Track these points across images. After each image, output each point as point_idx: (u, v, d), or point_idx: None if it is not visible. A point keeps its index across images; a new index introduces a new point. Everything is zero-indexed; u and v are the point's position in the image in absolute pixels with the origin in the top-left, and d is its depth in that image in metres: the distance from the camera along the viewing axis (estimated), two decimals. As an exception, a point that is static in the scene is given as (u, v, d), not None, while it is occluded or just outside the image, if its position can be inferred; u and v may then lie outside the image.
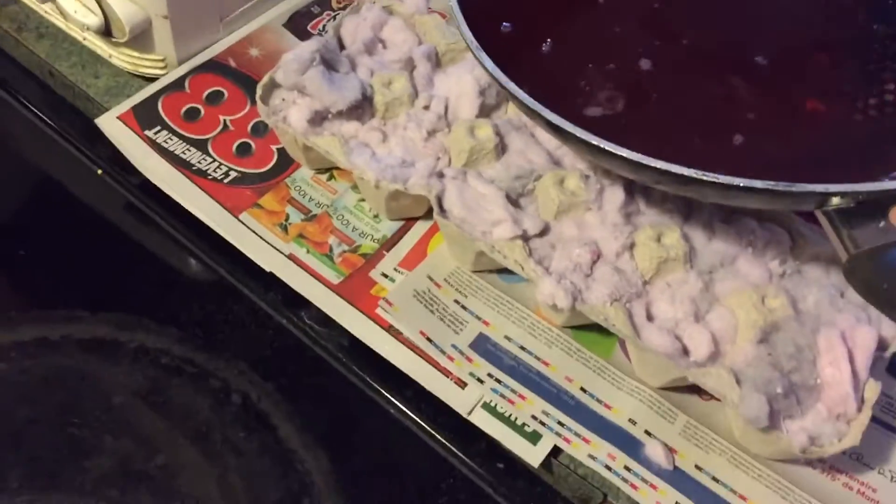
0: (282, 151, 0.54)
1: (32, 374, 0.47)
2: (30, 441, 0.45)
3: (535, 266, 0.45)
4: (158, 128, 0.53)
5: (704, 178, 0.36)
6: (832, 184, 0.36)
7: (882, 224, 0.36)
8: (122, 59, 0.56)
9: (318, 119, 0.50)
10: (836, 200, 0.36)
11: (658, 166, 0.37)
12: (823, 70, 0.45)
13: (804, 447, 0.40)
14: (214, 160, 0.53)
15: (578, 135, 0.39)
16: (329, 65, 0.50)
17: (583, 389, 0.46)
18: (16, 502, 0.42)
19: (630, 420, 0.45)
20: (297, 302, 0.49)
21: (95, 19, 0.52)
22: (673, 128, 0.43)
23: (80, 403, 0.46)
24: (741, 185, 0.36)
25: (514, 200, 0.48)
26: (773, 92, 0.44)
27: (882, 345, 0.44)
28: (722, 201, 0.43)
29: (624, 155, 0.38)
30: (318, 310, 0.49)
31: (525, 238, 0.46)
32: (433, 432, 0.46)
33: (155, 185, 0.52)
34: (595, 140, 0.38)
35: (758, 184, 0.36)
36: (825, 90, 0.44)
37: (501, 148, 0.50)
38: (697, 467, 0.44)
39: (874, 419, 0.46)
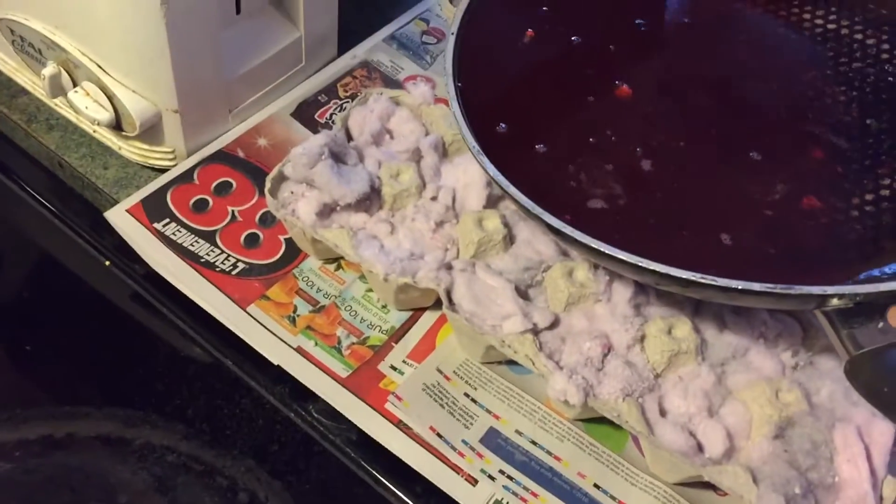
0: (290, 241, 0.54)
1: (37, 473, 0.46)
2: (32, 545, 0.44)
3: (546, 361, 0.44)
4: (167, 220, 0.54)
5: (702, 280, 0.37)
6: (830, 286, 0.36)
7: (881, 325, 0.36)
8: (132, 151, 0.57)
9: (327, 211, 0.50)
10: (834, 301, 0.37)
11: (657, 269, 0.38)
12: (819, 166, 0.46)
13: (825, 550, 0.39)
14: (223, 252, 0.53)
15: (578, 238, 0.39)
16: (337, 157, 0.51)
17: (596, 486, 0.45)
18: None
19: (645, 518, 0.44)
20: (305, 395, 0.49)
21: (106, 115, 0.53)
22: (671, 227, 0.43)
23: (86, 503, 0.45)
24: (739, 287, 0.37)
25: (523, 292, 0.48)
26: (771, 190, 0.44)
27: (899, 439, 0.43)
28: (725, 301, 0.43)
29: (622, 258, 0.38)
30: (327, 403, 0.48)
31: (535, 331, 0.46)
32: (444, 531, 0.45)
33: (161, 277, 0.52)
34: (594, 243, 0.39)
35: (756, 286, 0.36)
36: (820, 187, 0.44)
37: (510, 239, 0.50)
38: (716, 568, 0.43)
39: (893, 513, 0.45)
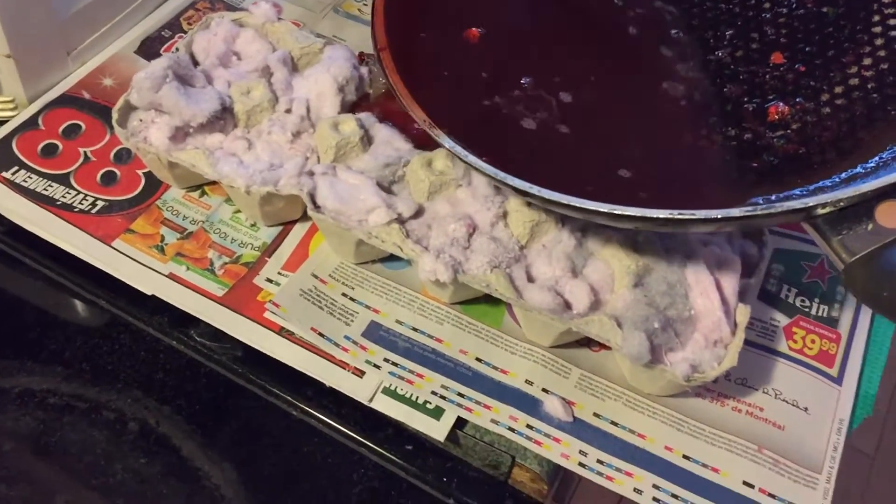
0: (149, 175, 0.53)
1: (-89, 435, 0.45)
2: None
3: (414, 246, 0.45)
4: (16, 168, 0.52)
5: (682, 216, 0.36)
6: (810, 196, 0.35)
7: (871, 226, 0.35)
8: (-31, 104, 0.55)
9: (180, 135, 0.50)
10: (819, 211, 0.35)
11: (631, 213, 0.37)
12: (781, 70, 0.45)
13: (687, 375, 0.42)
14: (79, 192, 0.52)
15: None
16: (184, 80, 0.50)
17: (478, 359, 0.47)
18: None
19: (527, 381, 0.46)
20: (184, 321, 0.49)
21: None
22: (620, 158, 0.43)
23: (-33, 457, 0.44)
24: (719, 216, 0.36)
25: (386, 188, 0.49)
26: (739, 95, 0.45)
27: (748, 272, 0.47)
28: (698, 231, 0.44)
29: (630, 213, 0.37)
30: (208, 325, 0.48)
31: (401, 221, 0.47)
32: (339, 426, 0.46)
33: (20, 228, 0.50)
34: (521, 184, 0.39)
35: (735, 212, 0.35)
36: (787, 90, 0.44)
37: (367, 140, 0.50)
38: (596, 415, 0.45)
39: (754, 345, 0.49)
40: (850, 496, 1.20)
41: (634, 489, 0.43)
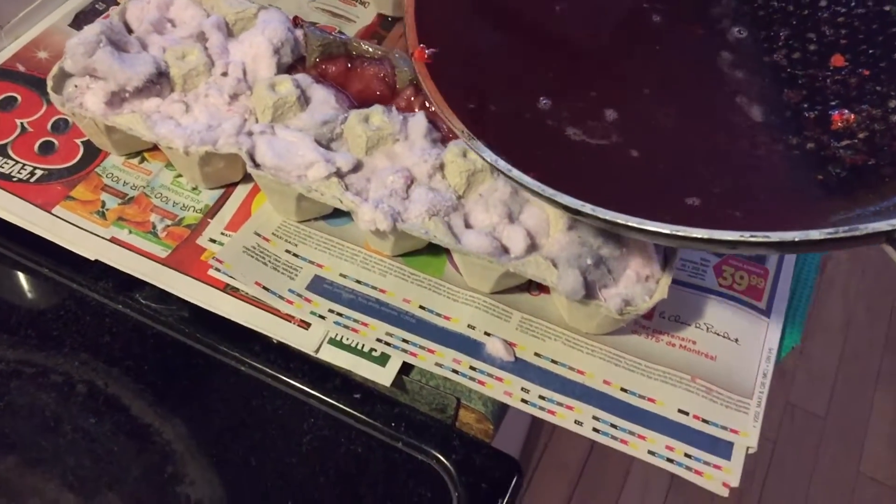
0: (87, 144, 0.53)
1: None
2: None
3: (353, 197, 0.46)
4: (-50, 140, 0.52)
5: (752, 240, 0.33)
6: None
7: None
8: None
9: (117, 101, 0.50)
10: None
11: (699, 235, 0.34)
12: (846, 72, 0.42)
13: (621, 308, 0.44)
14: (17, 162, 0.51)
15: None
16: (118, 47, 0.50)
17: (421, 307, 0.48)
18: None
19: (469, 326, 0.47)
20: (129, 285, 0.49)
21: None
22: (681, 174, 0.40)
23: (-87, 425, 0.44)
24: (796, 239, 0.33)
25: (325, 146, 0.50)
26: (798, 101, 0.42)
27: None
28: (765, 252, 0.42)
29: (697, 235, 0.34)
30: (153, 287, 0.49)
31: (340, 175, 0.48)
32: (287, 379, 0.47)
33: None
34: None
35: (815, 234, 0.33)
36: (850, 96, 0.41)
37: (305, 100, 0.51)
38: (536, 354, 0.47)
39: (685, 284, 0.51)
40: (802, 458, 1.25)
41: (575, 421, 0.44)
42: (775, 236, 0.33)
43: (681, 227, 0.34)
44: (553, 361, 0.47)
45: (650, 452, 0.43)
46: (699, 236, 0.34)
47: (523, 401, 0.45)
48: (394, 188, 0.47)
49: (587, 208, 0.36)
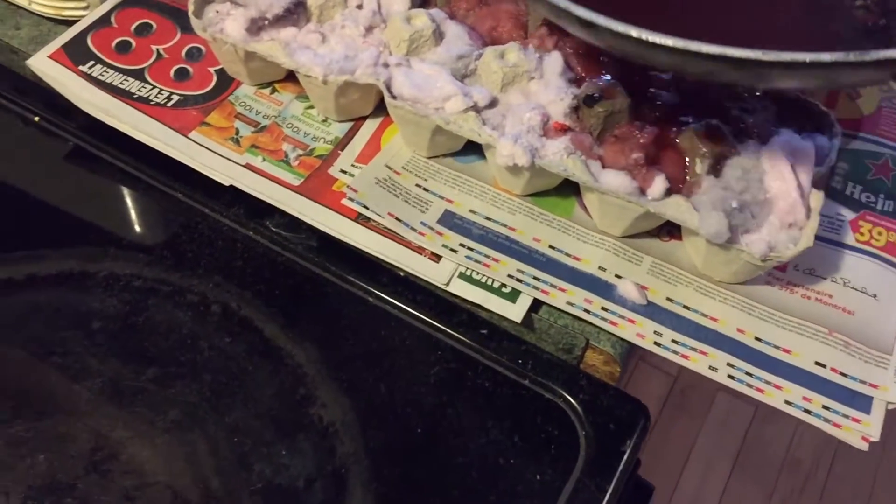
0: (221, 72, 0.54)
1: (4, 313, 0.46)
2: (13, 375, 0.44)
3: (492, 132, 0.46)
4: (92, 62, 0.53)
5: (764, 58, 0.33)
6: None
7: None
8: (43, 4, 0.55)
9: (255, 28, 0.50)
10: None
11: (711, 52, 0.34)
12: None
13: (765, 255, 0.43)
14: (154, 87, 0.52)
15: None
16: (257, -25, 0.51)
17: (551, 247, 0.48)
18: (11, 432, 0.42)
19: (600, 268, 0.47)
20: (260, 212, 0.50)
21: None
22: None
23: (59, 334, 0.46)
24: (808, 60, 0.33)
25: (458, 81, 0.49)
26: None
27: (819, 160, 0.47)
28: (780, 83, 0.40)
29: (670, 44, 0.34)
30: (283, 215, 0.49)
31: (476, 109, 0.47)
32: (414, 312, 0.47)
33: (97, 124, 0.51)
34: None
35: (825, 57, 0.32)
36: None
37: (439, 35, 0.51)
38: (668, 299, 0.46)
39: (821, 238, 0.49)
40: None
41: (709, 367, 0.44)
42: (786, 56, 0.33)
43: (692, 42, 0.34)
44: (685, 307, 0.46)
45: (787, 402, 0.43)
46: (710, 52, 0.34)
47: (656, 343, 0.44)
48: (531, 125, 0.47)
49: (600, 20, 0.36)
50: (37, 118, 0.54)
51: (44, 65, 0.52)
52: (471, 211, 0.49)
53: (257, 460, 0.43)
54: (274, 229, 0.50)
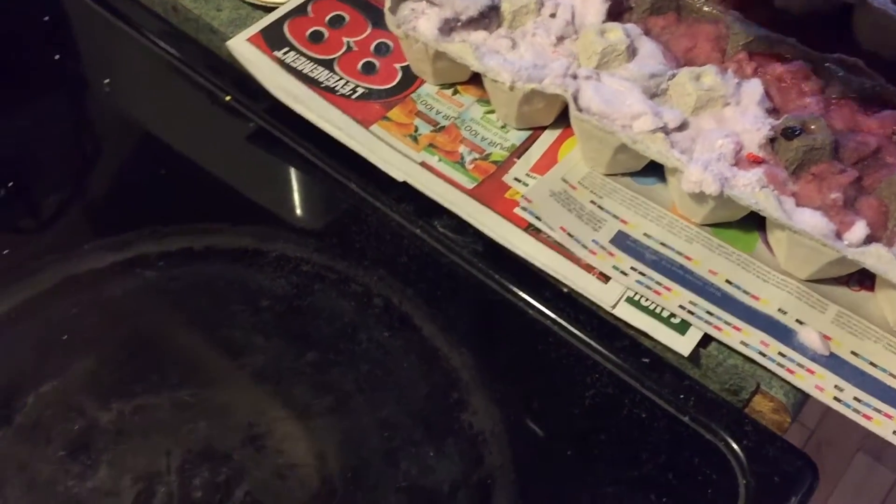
0: (406, 69, 0.54)
1: (180, 280, 0.48)
2: (185, 341, 0.46)
3: (680, 155, 0.44)
4: (287, 49, 0.54)
5: None
6: None
7: None
8: (245, -11, 0.58)
9: (447, 28, 0.50)
10: None
11: None
12: None
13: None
14: (341, 78, 0.53)
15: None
16: (455, -24, 0.51)
17: (728, 282, 0.45)
18: (178, 396, 0.43)
19: (780, 310, 0.44)
20: (429, 211, 0.50)
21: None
22: None
23: (229, 307, 0.47)
24: None
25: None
26: None
27: None
28: None
29: None
30: (451, 217, 0.49)
31: (665, 131, 0.46)
32: (575, 331, 0.46)
33: (282, 109, 0.53)
34: None
35: None
36: None
37: (632, 51, 0.49)
38: (853, 353, 0.43)
39: None
40: None
41: (894, 432, 0.40)
42: None
43: None
44: (871, 364, 0.43)
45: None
46: None
47: (836, 399, 0.41)
48: (722, 152, 0.45)
49: None
50: (228, 97, 0.56)
51: (242, 47, 0.54)
52: (645, 234, 0.47)
53: (405, 458, 0.42)
54: (441, 230, 0.50)
